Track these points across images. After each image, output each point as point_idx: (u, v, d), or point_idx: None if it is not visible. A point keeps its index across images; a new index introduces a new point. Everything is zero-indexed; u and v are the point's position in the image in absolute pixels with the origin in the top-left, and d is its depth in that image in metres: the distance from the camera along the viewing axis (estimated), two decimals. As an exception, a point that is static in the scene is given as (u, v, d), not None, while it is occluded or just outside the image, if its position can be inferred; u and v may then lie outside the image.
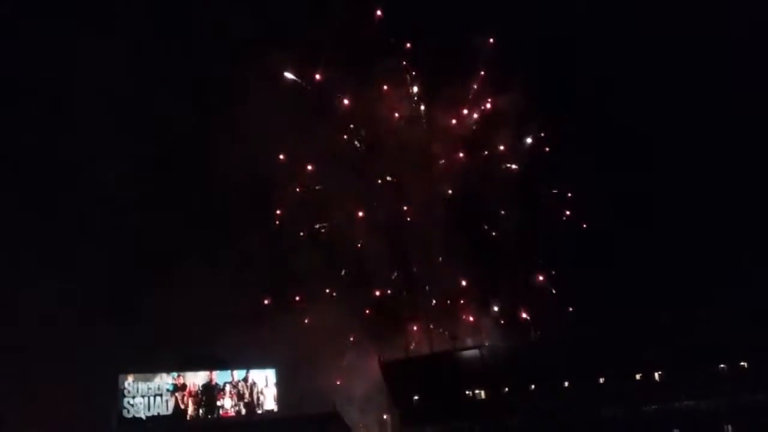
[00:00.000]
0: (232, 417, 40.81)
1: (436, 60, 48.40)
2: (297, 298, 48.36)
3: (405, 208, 50.76)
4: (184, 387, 39.52)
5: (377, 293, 49.80)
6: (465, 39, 48.53)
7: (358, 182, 49.56)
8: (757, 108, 44.84)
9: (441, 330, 48.93)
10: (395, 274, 50.15)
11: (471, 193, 50.63)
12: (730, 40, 45.74)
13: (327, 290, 48.70)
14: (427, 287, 50.42)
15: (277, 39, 46.90)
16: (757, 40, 45.07)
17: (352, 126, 50.42)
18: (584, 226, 49.67)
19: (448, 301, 50.31)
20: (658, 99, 47.91)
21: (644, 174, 47.74)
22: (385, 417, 44.96)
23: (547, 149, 50.68)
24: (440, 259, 50.15)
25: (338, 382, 46.58)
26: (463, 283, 49.82)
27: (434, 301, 50.05)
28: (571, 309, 49.72)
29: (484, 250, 49.86)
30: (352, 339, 48.06)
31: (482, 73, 50.42)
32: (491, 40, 49.38)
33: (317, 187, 49.41)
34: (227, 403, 41.07)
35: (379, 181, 51.00)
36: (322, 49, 47.44)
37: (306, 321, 47.10)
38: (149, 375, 38.53)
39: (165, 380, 38.99)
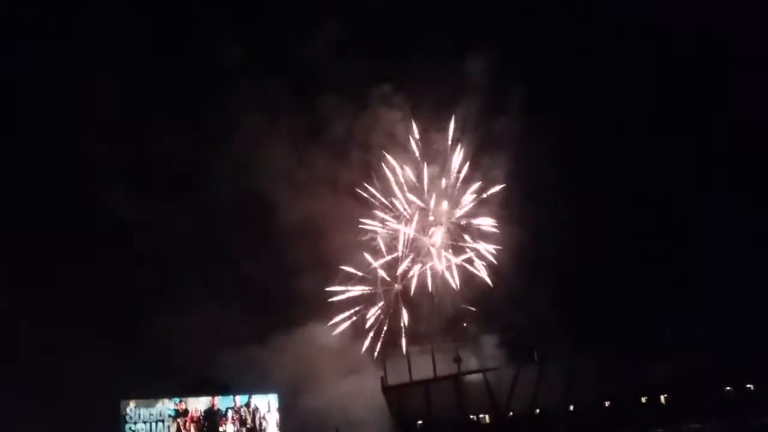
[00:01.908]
0: (234, 443, 40.59)
1: (431, 83, 48.73)
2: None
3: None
4: (186, 412, 39.37)
5: (378, 316, 49.46)
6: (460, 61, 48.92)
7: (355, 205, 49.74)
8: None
9: (444, 353, 48.52)
10: (396, 296, 49.93)
11: (468, 215, 50.64)
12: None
13: (328, 313, 48.51)
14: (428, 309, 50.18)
15: (272, 62, 47.65)
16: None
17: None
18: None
19: (451, 324, 50.00)
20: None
21: (643, 184, 47.61)
22: (388, 442, 44.61)
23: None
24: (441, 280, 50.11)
25: (340, 407, 46.17)
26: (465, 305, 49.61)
27: (437, 324, 49.71)
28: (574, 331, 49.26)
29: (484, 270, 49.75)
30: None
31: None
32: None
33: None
34: (229, 429, 40.79)
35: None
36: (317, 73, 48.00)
37: (308, 345, 46.88)
38: (151, 400, 38.45)
39: (167, 406, 38.88)
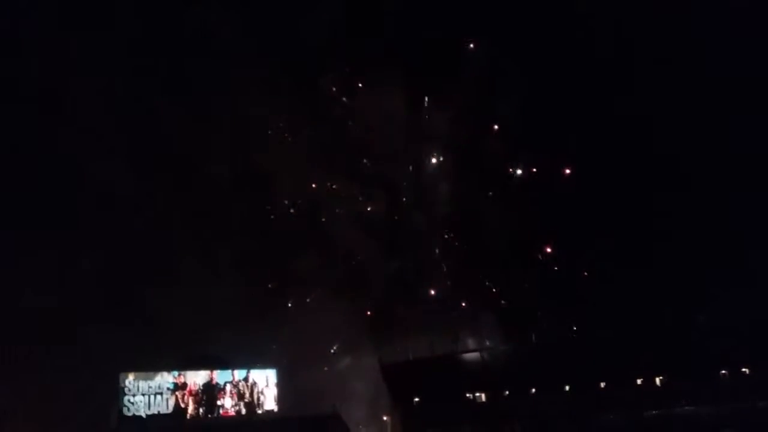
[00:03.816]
0: (232, 416, 40.85)
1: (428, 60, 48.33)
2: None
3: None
4: (184, 386, 39.56)
5: (375, 294, 49.64)
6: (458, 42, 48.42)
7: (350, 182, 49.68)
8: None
9: (441, 332, 48.81)
10: (392, 274, 50.09)
11: (465, 195, 50.59)
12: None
13: (327, 290, 48.65)
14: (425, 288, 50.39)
15: (272, 39, 47.08)
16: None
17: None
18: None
19: (448, 302, 50.24)
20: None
21: (642, 175, 47.36)
22: (385, 418, 44.95)
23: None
24: (437, 258, 50.29)
25: (338, 383, 46.56)
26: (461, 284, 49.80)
27: (433, 302, 49.93)
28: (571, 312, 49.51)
29: (481, 251, 49.83)
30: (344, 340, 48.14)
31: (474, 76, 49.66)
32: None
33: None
34: (227, 403, 41.09)
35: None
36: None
37: (307, 322, 47.08)
38: (150, 373, 38.56)
39: (166, 379, 39.03)
